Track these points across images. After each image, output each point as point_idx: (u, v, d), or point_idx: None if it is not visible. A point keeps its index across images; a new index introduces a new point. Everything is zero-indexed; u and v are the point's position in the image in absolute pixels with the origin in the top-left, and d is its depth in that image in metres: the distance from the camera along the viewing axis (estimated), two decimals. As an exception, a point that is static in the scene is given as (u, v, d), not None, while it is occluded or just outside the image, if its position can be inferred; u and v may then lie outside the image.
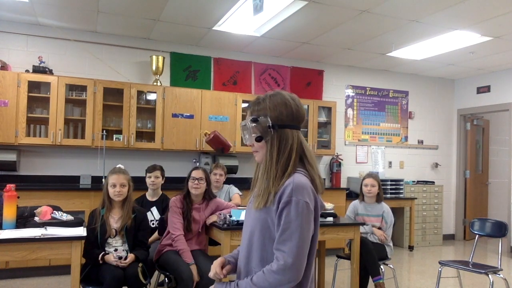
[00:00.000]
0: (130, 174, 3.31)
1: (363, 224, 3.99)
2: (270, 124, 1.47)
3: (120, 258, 3.04)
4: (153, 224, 3.93)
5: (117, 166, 3.37)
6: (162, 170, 4.07)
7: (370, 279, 3.89)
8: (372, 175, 4.27)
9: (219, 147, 4.51)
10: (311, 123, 6.28)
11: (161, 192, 4.09)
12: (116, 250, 3.10)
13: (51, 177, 5.26)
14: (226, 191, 4.40)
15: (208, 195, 3.54)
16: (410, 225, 6.69)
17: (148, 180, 4.00)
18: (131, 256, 3.07)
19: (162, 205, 3.99)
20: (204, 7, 4.58)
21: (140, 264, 3.08)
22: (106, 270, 2.95)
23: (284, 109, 1.50)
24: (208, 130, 5.02)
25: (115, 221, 3.16)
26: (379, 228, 4.11)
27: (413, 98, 7.54)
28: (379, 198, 4.18)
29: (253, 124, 1.50)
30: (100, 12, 4.82)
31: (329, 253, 5.03)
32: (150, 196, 4.04)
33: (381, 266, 3.92)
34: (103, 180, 5.23)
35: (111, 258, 3.02)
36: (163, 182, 4.08)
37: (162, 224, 3.67)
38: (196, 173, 3.41)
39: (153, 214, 3.97)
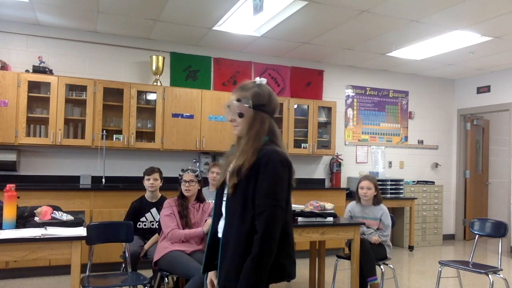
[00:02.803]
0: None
1: (363, 224, 3.98)
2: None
3: None
4: (152, 225, 3.93)
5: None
6: (160, 172, 4.06)
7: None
8: (368, 178, 4.18)
9: None
10: (311, 123, 6.27)
11: (160, 194, 4.08)
12: None
13: (51, 177, 5.26)
14: None
15: (199, 197, 3.64)
16: (410, 225, 6.69)
17: (146, 183, 3.98)
18: None
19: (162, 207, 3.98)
20: (204, 7, 4.58)
21: None
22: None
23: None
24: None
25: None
26: (377, 229, 4.09)
27: (413, 98, 7.54)
28: (376, 201, 4.13)
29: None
30: (100, 12, 4.82)
31: (329, 253, 5.03)
32: (149, 198, 4.03)
33: (381, 266, 3.92)
34: (103, 180, 5.25)
35: None
36: (161, 184, 4.06)
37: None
38: (187, 176, 3.54)
39: (153, 215, 3.96)
